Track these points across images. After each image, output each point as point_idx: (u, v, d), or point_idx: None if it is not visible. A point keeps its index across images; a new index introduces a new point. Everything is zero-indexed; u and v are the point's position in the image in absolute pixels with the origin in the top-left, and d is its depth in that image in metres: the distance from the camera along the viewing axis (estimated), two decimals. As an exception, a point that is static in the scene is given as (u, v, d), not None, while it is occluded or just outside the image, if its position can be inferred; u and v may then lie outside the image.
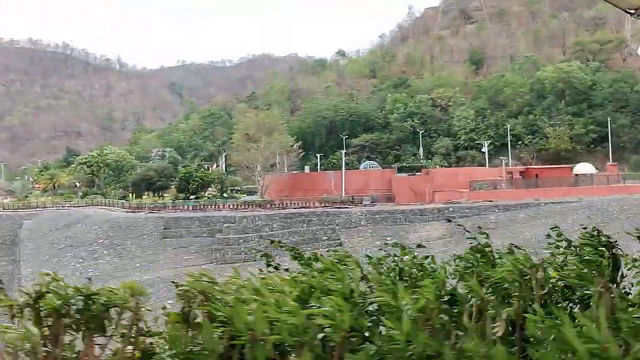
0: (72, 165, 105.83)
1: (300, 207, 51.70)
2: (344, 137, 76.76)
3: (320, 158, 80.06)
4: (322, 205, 53.64)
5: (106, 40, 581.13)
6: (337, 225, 46.55)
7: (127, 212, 56.22)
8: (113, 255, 44.41)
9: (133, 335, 2.01)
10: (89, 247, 47.22)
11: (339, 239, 45.12)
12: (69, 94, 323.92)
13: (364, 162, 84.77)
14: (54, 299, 1.85)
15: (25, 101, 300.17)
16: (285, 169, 74.51)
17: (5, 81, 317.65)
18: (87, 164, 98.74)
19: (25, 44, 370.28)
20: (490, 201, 49.66)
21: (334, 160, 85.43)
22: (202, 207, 55.89)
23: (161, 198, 69.03)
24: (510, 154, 75.45)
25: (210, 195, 68.24)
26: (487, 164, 72.84)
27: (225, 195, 68.75)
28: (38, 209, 72.41)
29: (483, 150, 75.38)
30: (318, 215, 47.58)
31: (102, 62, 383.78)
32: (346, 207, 50.81)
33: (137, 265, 42.51)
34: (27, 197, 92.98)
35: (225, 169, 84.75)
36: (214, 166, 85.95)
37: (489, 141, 78.42)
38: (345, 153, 70.15)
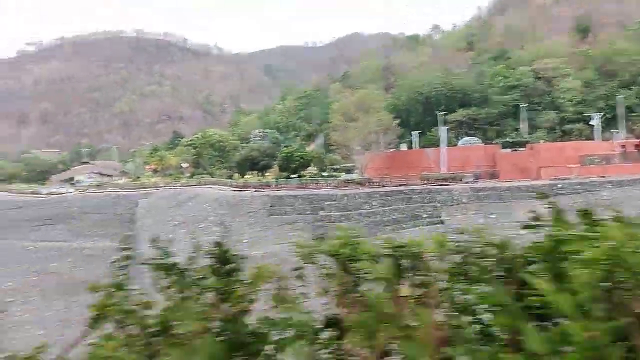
0: (179, 147, 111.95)
1: (400, 185, 51.51)
2: (442, 113, 75.00)
3: (417, 135, 79.07)
4: (422, 182, 53.06)
5: (202, 28, 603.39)
6: (438, 202, 45.88)
7: (234, 190, 58.64)
8: (224, 232, 46.78)
9: (429, 282, 2.47)
10: (200, 224, 50.00)
11: (439, 217, 44.58)
12: (170, 80, 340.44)
13: (461, 138, 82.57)
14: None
15: (132, 88, 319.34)
16: (382, 147, 74.30)
17: (113, 69, 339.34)
18: (193, 145, 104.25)
19: (130, 33, 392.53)
20: (603, 177, 47.05)
21: (430, 137, 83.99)
22: (304, 185, 57.24)
23: (264, 177, 71.54)
24: (624, 126, 70.62)
25: (311, 174, 69.76)
26: (596, 138, 68.76)
27: (324, 173, 70.02)
28: (151, 189, 77.37)
29: (592, 122, 71.07)
30: (418, 192, 47.16)
31: (200, 48, 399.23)
32: (447, 184, 49.97)
33: (245, 241, 44.29)
34: (139, 177, 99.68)
35: (325, 148, 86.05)
36: (312, 145, 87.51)
37: (601, 113, 73.70)
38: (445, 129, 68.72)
